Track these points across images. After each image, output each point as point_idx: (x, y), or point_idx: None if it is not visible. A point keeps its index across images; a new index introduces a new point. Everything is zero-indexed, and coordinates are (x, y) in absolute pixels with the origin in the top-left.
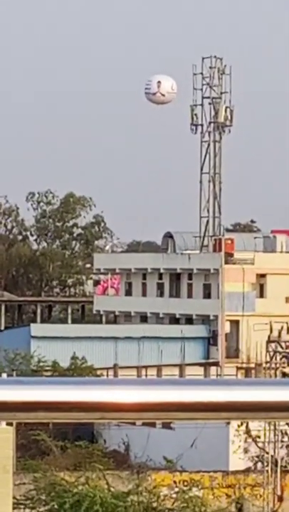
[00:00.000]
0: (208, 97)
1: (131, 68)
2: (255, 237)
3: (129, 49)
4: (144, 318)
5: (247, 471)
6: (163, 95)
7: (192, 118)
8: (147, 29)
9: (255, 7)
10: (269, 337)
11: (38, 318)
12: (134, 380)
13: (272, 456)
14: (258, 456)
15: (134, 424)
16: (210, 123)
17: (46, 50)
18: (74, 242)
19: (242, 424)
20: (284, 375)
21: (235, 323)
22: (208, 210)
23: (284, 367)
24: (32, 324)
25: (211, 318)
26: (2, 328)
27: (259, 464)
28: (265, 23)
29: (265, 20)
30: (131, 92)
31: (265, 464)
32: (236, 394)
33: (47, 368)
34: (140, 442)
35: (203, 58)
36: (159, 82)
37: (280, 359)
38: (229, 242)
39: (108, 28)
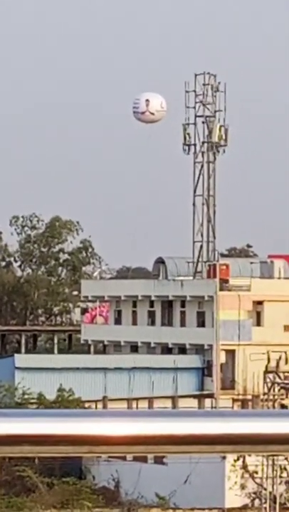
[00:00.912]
0: (202, 116)
1: (119, 86)
2: (251, 263)
3: (118, 65)
4: (134, 348)
5: (244, 508)
6: (152, 114)
7: (185, 137)
8: (136, 44)
9: (250, 22)
10: (266, 367)
11: (23, 349)
12: (123, 412)
13: (270, 492)
14: (255, 493)
15: (124, 459)
16: (203, 143)
17: (29, 72)
18: (60, 269)
19: (238, 458)
20: (282, 407)
21: (230, 353)
22: (201, 234)
23: (282, 398)
24: (16, 355)
25: (206, 347)
26: None
27: (257, 501)
28: (260, 38)
29: (260, 35)
30: (119, 111)
31: (263, 500)
32: (232, 426)
33: (32, 401)
34: (131, 478)
35: (196, 75)
36: (147, 100)
37: (279, 390)
38: (224, 267)
39: (96, 42)
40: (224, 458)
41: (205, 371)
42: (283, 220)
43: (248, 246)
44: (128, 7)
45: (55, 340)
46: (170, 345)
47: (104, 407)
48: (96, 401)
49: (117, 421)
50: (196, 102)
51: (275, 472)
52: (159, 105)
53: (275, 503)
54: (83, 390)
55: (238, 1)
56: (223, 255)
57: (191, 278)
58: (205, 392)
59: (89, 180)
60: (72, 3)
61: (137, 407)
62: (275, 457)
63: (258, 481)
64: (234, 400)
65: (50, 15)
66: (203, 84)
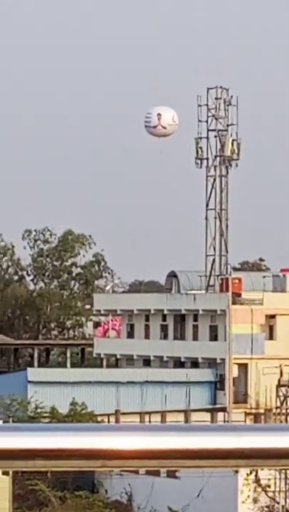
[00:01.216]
0: (214, 130)
1: (131, 100)
2: (264, 276)
3: (129, 79)
4: (147, 362)
5: None
6: (164, 128)
7: (197, 151)
8: (148, 58)
9: (263, 36)
10: (279, 381)
11: (36, 362)
12: (136, 426)
13: (283, 506)
14: (268, 507)
15: (137, 472)
16: (216, 157)
17: (37, 93)
18: (73, 282)
19: (251, 472)
20: None
21: (243, 367)
22: (214, 248)
23: None
24: (29, 368)
25: (218, 361)
26: None
27: None
28: (273, 51)
29: (273, 49)
30: (131, 125)
31: None
32: (245, 440)
33: (45, 415)
34: (144, 492)
35: (208, 89)
36: (159, 114)
37: None
38: (237, 281)
39: (107, 55)
40: (237, 472)
41: (217, 385)
42: None
43: (261, 260)
44: (143, 20)
45: (68, 354)
46: (183, 359)
47: (117, 420)
48: (109, 415)
49: (130, 435)
50: (208, 116)
51: (287, 486)
52: (171, 119)
53: None
54: (96, 404)
55: (250, 17)
56: (235, 269)
57: (204, 292)
58: (217, 406)
59: (101, 194)
60: (90, 14)
61: (149, 421)
62: (288, 471)
63: (270, 494)
64: (247, 414)
65: (63, 23)
66: (216, 98)
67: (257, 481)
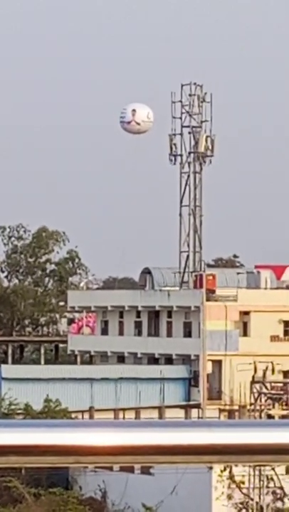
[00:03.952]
0: (188, 126)
1: (105, 97)
2: (238, 273)
3: (104, 75)
4: (121, 359)
5: None
6: (138, 124)
7: (171, 148)
8: (122, 53)
9: (236, 33)
10: (253, 377)
11: (9, 359)
12: (109, 423)
13: (257, 502)
14: (242, 503)
15: (111, 469)
16: (190, 153)
17: (18, 83)
18: (47, 279)
19: (225, 468)
20: (269, 417)
21: (217, 363)
22: (188, 245)
23: (269, 409)
24: (2, 365)
25: (192, 358)
26: None
27: (244, 511)
28: (247, 48)
29: (247, 45)
30: (105, 122)
31: (250, 511)
32: (218, 436)
33: (19, 411)
34: (118, 488)
35: (182, 85)
36: (133, 110)
37: (265, 401)
38: (211, 277)
39: (82, 51)
40: (211, 468)
41: (192, 381)
42: (270, 231)
43: (235, 256)
44: (116, 18)
45: (42, 351)
46: (157, 356)
47: (91, 417)
48: (83, 411)
49: (103, 431)
50: (182, 113)
51: (261, 482)
52: (146, 116)
53: None
54: (70, 401)
55: (223, 12)
56: (209, 265)
57: (178, 288)
58: (192, 403)
59: (75, 191)
60: (58, 19)
61: (123, 418)
62: (262, 467)
63: (244, 491)
64: (221, 410)
65: (36, 31)
66: (190, 95)
67: (231, 477)
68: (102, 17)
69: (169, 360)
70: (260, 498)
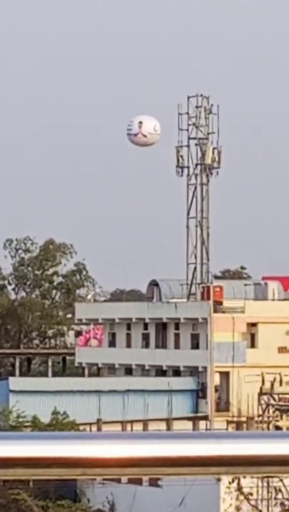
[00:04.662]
0: (195, 138)
1: (112, 108)
2: (245, 285)
3: (111, 87)
4: (128, 371)
5: None
6: (145, 136)
7: (178, 160)
8: (129, 66)
9: (242, 43)
10: (261, 389)
11: (17, 372)
12: (116, 434)
13: None
14: None
15: (119, 481)
16: (196, 165)
17: (20, 98)
18: (54, 291)
19: (233, 480)
20: (277, 428)
21: (225, 375)
22: (195, 256)
23: (277, 420)
24: (10, 378)
25: (200, 369)
26: None
27: None
28: (253, 60)
29: (253, 57)
30: (112, 134)
31: None
32: (225, 447)
33: (26, 424)
34: (126, 501)
35: (188, 97)
36: (140, 122)
37: (273, 412)
38: (218, 289)
39: (87, 63)
40: (219, 480)
41: (199, 393)
42: (277, 242)
43: (242, 268)
44: (122, 29)
45: (50, 363)
46: (164, 368)
47: (99, 429)
48: (90, 424)
49: (110, 443)
50: (189, 125)
51: (269, 494)
52: (152, 128)
53: None
54: (78, 413)
55: (230, 24)
56: (216, 277)
57: (185, 300)
58: (199, 415)
59: (82, 203)
60: (63, 28)
61: (131, 430)
62: (270, 479)
63: (253, 503)
64: (229, 422)
65: (38, 40)
66: (196, 107)
67: (239, 489)
68: (111, 31)
69: (176, 372)
70: (268, 509)
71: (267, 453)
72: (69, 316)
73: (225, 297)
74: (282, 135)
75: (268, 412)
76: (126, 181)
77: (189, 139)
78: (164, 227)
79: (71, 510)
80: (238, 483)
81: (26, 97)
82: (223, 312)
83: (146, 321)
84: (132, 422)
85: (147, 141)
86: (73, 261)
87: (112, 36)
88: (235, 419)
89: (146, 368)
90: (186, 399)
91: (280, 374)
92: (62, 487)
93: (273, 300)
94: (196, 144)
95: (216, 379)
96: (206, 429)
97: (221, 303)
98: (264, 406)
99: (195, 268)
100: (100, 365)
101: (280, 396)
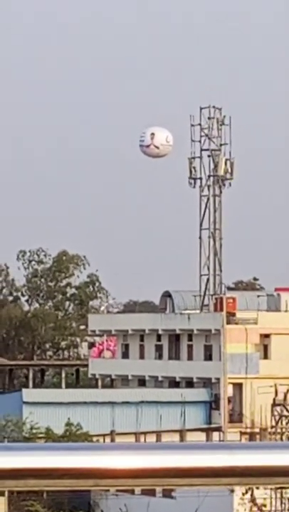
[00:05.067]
0: (207, 149)
1: (125, 120)
2: (258, 296)
3: (123, 99)
4: (142, 382)
5: None
6: (157, 147)
7: (190, 171)
8: (141, 77)
9: (255, 54)
10: (274, 400)
11: (30, 383)
12: (128, 445)
13: None
14: None
15: (132, 492)
16: (209, 176)
17: (32, 105)
18: (67, 303)
19: (247, 491)
20: None
21: (238, 386)
22: (208, 268)
23: None
24: (24, 389)
25: (213, 381)
26: None
27: None
28: (266, 71)
29: (266, 68)
30: (125, 145)
31: None
32: (237, 458)
33: (40, 435)
34: None
35: (201, 108)
36: (152, 134)
37: (287, 423)
38: (231, 300)
39: (100, 75)
40: (232, 491)
41: (212, 405)
42: None
43: (255, 279)
44: (135, 40)
45: (63, 375)
46: (177, 379)
47: (112, 441)
48: (104, 435)
49: (122, 454)
50: (201, 136)
51: (283, 505)
52: (165, 139)
53: None
54: (91, 424)
55: (242, 36)
56: (229, 288)
57: (198, 311)
58: (213, 426)
59: (95, 215)
60: (78, 39)
61: (144, 441)
62: (284, 490)
63: None
64: (242, 433)
65: (52, 51)
66: (209, 118)
67: (252, 500)
68: (122, 38)
69: (189, 383)
70: None
71: (280, 463)
72: (82, 327)
73: (238, 308)
74: None
75: (281, 423)
76: (139, 193)
77: (202, 150)
78: (176, 239)
79: None
80: (252, 495)
81: (40, 111)
82: (236, 323)
83: (160, 332)
84: (145, 433)
85: (160, 152)
86: (86, 272)
87: (125, 47)
88: (248, 430)
89: (160, 379)
90: (199, 410)
91: None
92: (76, 498)
93: (286, 311)
94: (208, 156)
95: (229, 390)
96: (219, 441)
97: (234, 314)
98: (277, 417)
99: (208, 279)
100: (113, 377)
101: None
